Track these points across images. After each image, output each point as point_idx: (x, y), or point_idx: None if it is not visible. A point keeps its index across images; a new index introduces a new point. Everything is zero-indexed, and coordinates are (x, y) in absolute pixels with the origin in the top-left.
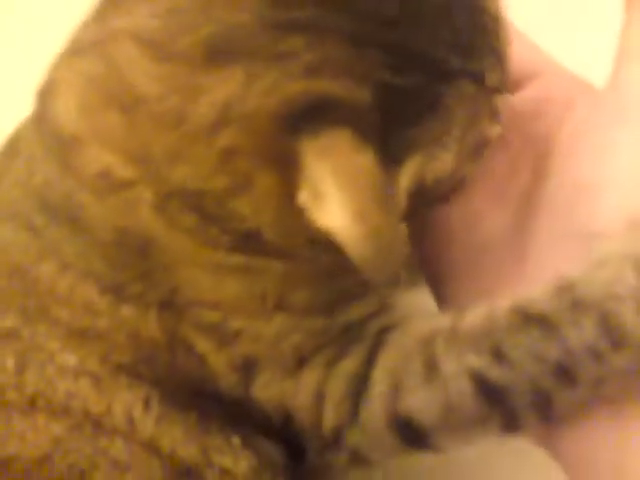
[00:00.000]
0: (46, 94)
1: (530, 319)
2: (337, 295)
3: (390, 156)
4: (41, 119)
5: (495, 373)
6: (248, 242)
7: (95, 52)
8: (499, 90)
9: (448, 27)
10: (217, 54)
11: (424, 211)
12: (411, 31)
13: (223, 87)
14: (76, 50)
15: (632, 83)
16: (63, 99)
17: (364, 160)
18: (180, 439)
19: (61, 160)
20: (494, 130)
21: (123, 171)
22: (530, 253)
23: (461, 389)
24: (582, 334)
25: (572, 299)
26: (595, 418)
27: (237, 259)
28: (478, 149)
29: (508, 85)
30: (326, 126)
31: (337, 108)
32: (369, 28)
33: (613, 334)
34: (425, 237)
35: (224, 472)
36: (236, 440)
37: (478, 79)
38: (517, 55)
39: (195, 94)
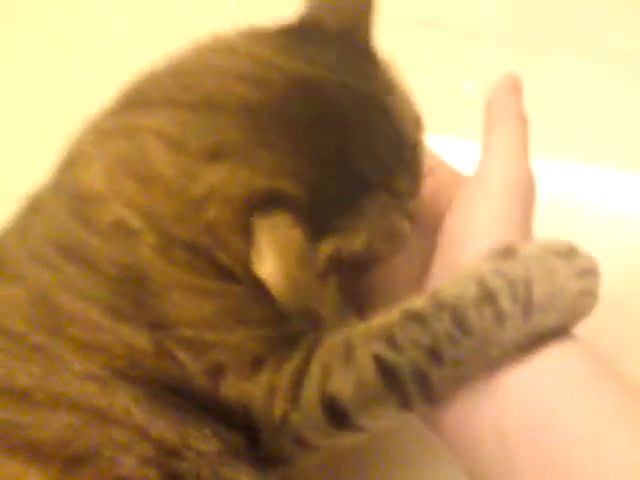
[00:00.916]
0: (70, 166)
1: (410, 316)
2: (284, 312)
3: (315, 234)
4: (62, 186)
5: (390, 356)
6: (222, 272)
7: (123, 138)
8: (410, 196)
9: (371, 152)
10: (214, 154)
11: (360, 271)
12: (343, 154)
13: (214, 175)
14: (103, 134)
15: (487, 173)
16: (90, 168)
17: (294, 235)
18: (164, 428)
19: (79, 215)
20: (404, 225)
21: (133, 221)
22: (426, 283)
23: (367, 368)
24: (443, 325)
25: (437, 301)
26: (470, 392)
27: (213, 284)
28: (391, 237)
29: (419, 191)
30: (273, 211)
31: (283, 200)
32: (313, 150)
33: (462, 325)
34: (359, 285)
35: (199, 453)
36: (207, 430)
37: (391, 189)
38: None
39: (196, 177)
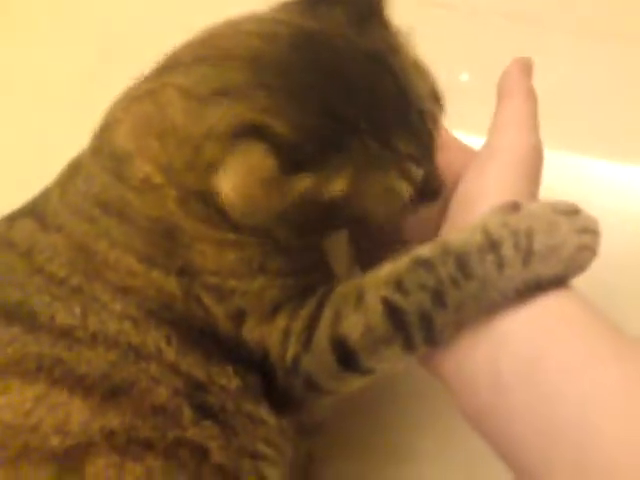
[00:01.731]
0: (106, 130)
1: (418, 261)
2: (300, 264)
3: (294, 169)
4: (99, 149)
5: (397, 298)
6: (232, 223)
7: (148, 98)
8: (413, 159)
9: (366, 102)
10: (219, 95)
11: (361, 227)
12: (335, 99)
13: (214, 114)
14: (134, 97)
15: (497, 142)
16: (120, 131)
17: (266, 163)
18: (192, 364)
19: (115, 173)
20: (403, 187)
21: (156, 177)
22: None
23: (376, 311)
24: (447, 269)
25: (443, 248)
26: (469, 334)
27: (231, 236)
28: (388, 198)
29: (428, 160)
30: (253, 140)
31: (266, 133)
32: (306, 94)
33: (465, 270)
34: (368, 239)
35: (223, 388)
36: (229, 368)
37: (388, 144)
38: None
39: (201, 119)
